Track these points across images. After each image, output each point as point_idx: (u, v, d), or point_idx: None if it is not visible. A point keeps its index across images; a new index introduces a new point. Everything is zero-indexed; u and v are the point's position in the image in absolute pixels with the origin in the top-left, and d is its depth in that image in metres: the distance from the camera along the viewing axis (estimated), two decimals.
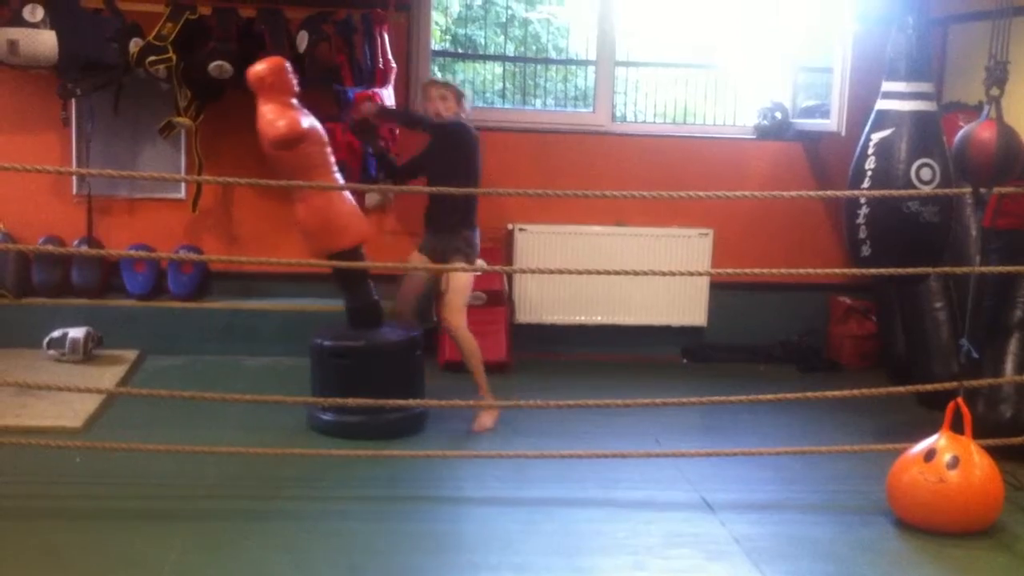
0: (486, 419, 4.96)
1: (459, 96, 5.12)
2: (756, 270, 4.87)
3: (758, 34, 6.80)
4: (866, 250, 4.60)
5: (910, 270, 4.47)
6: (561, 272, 4.58)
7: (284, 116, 4.54)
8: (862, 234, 4.61)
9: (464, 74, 7.14)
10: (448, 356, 5.96)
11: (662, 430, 5.01)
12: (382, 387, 4.51)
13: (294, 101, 4.65)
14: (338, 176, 4.82)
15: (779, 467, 4.58)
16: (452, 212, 4.98)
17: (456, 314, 4.99)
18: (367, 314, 4.94)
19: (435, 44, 6.74)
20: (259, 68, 4.60)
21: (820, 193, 5.83)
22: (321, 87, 5.66)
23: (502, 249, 6.38)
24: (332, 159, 4.78)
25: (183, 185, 6.13)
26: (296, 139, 4.55)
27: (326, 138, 4.76)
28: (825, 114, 6.29)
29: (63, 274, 5.98)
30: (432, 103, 5.09)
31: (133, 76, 5.66)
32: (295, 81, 4.68)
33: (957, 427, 3.97)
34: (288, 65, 4.68)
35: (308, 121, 4.65)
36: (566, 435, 4.79)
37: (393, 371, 4.78)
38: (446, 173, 4.88)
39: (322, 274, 6.03)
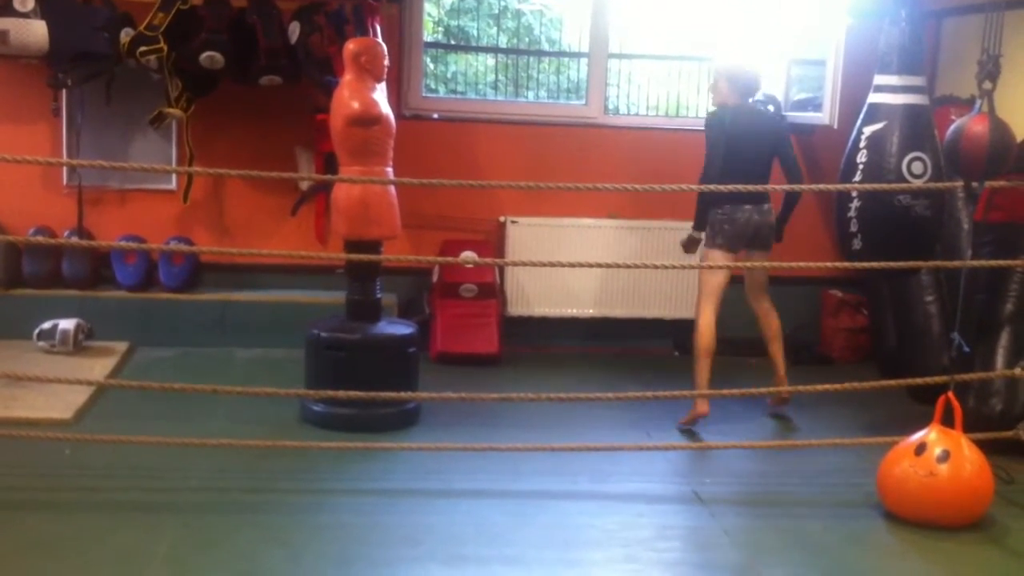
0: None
1: (731, 81, 5.08)
2: (748, 263, 4.87)
3: (751, 27, 6.79)
4: (857, 243, 4.61)
5: (901, 264, 4.48)
6: (553, 265, 4.57)
7: (362, 97, 4.74)
8: (853, 227, 4.62)
9: (456, 66, 7.12)
10: (440, 348, 5.96)
11: (653, 423, 5.02)
12: (377, 381, 4.50)
13: (379, 86, 4.84)
14: (389, 171, 4.87)
15: (770, 460, 4.60)
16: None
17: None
18: (366, 308, 4.96)
19: (427, 36, 6.71)
20: (356, 45, 4.81)
21: (812, 187, 5.83)
22: (313, 78, 5.65)
23: (494, 241, 6.38)
24: (391, 152, 4.88)
25: (174, 176, 6.10)
26: (370, 121, 4.73)
27: (393, 130, 4.89)
28: (817, 107, 6.28)
29: (53, 265, 5.95)
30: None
31: (124, 66, 5.63)
32: (386, 68, 4.90)
33: (948, 421, 3.98)
34: (384, 51, 4.90)
35: (384, 108, 4.83)
36: (557, 428, 4.79)
37: (388, 365, 4.77)
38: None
39: (313, 266, 6.04)
